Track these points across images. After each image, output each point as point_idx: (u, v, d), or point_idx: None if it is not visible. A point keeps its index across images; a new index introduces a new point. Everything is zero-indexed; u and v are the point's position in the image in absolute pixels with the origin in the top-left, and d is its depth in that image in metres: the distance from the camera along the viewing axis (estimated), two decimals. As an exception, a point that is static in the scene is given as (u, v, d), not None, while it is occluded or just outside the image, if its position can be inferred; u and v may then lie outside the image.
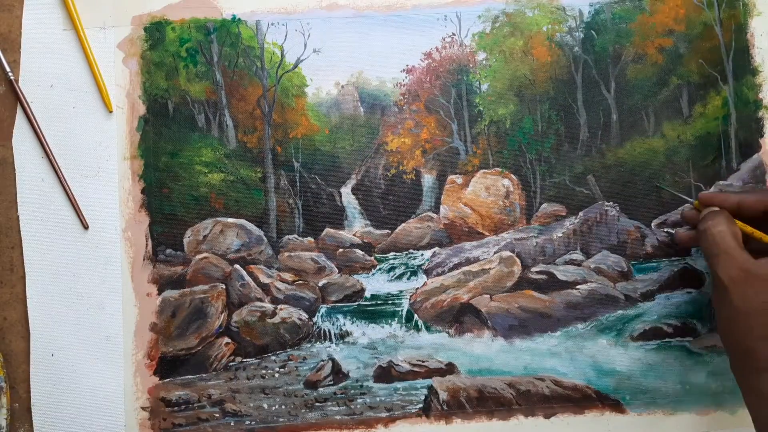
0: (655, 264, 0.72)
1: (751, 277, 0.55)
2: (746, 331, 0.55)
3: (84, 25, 0.71)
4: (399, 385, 0.70)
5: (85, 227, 0.70)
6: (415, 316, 0.71)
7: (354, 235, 0.73)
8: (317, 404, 0.69)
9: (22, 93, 0.70)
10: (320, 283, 0.72)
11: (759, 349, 0.55)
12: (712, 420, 0.69)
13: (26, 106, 0.70)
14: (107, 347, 0.69)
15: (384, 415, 0.69)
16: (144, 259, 0.70)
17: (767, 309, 0.54)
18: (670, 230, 0.72)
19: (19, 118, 0.70)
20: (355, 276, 0.72)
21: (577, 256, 0.72)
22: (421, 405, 0.70)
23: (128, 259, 0.70)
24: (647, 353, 0.70)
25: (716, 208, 0.61)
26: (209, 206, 0.72)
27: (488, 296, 0.71)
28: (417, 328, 0.71)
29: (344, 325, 0.71)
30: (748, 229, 0.60)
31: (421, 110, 0.74)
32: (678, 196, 0.68)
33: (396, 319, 0.71)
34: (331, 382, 0.70)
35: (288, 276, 0.72)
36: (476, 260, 0.72)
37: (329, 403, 0.69)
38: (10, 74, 0.70)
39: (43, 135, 0.70)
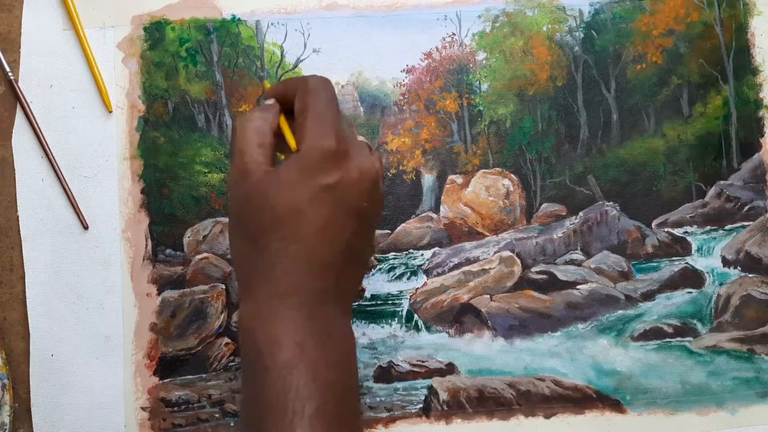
0: (655, 264, 0.72)
1: (249, 175, 0.47)
2: (231, 237, 0.50)
3: (84, 25, 0.71)
4: (399, 385, 0.70)
5: (85, 227, 0.70)
6: (415, 316, 0.71)
7: (354, 235, 0.72)
8: (317, 404, 0.69)
9: (21, 93, 0.70)
10: (320, 283, 0.72)
11: (235, 260, 0.49)
12: (712, 420, 0.69)
13: (26, 106, 0.70)
14: (107, 347, 0.69)
15: (384, 415, 0.69)
16: (144, 259, 0.70)
17: (245, 214, 0.47)
18: (670, 230, 0.72)
19: (19, 118, 0.70)
20: (355, 276, 0.72)
21: (578, 256, 0.72)
22: (421, 405, 0.69)
23: (128, 259, 0.70)
24: (647, 353, 0.70)
25: (272, 101, 0.53)
26: (209, 206, 0.71)
27: (488, 296, 0.71)
28: (417, 328, 0.71)
29: (344, 325, 0.71)
30: (285, 128, 0.51)
31: (421, 110, 0.74)
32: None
33: (396, 319, 0.71)
34: (331, 382, 0.70)
35: (288, 276, 0.72)
36: (476, 260, 0.72)
37: (329, 403, 0.69)
38: (9, 74, 0.70)
39: (43, 135, 0.70)
